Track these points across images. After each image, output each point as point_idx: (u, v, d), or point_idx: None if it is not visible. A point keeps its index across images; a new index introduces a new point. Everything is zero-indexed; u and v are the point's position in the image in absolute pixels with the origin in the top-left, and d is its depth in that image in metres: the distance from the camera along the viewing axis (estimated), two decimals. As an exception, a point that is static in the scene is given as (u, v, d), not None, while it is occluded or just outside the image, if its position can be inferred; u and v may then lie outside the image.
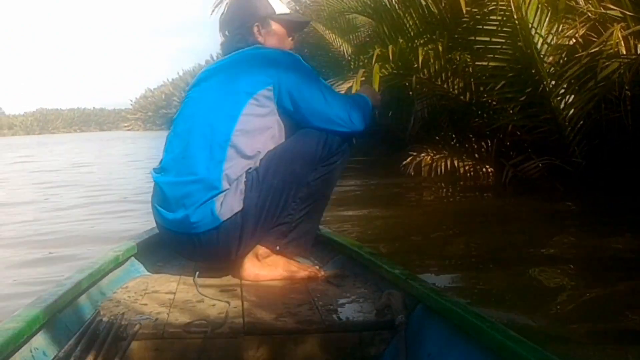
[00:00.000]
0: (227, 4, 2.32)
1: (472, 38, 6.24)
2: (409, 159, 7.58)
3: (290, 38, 2.23)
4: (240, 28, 2.14)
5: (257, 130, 1.97)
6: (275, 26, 2.17)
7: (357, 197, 6.62)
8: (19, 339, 1.27)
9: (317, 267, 2.12)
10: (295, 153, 1.98)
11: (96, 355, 1.35)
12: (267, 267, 2.02)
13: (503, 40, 5.93)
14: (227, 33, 2.20)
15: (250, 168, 1.95)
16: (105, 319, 1.55)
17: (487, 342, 1.21)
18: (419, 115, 8.15)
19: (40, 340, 1.37)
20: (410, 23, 7.04)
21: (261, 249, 2.01)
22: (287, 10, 2.24)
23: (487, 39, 6.06)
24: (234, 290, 1.88)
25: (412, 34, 7.04)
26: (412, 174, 7.36)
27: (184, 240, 2.00)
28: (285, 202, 1.97)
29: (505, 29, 5.79)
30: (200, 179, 1.92)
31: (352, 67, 8.90)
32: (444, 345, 1.39)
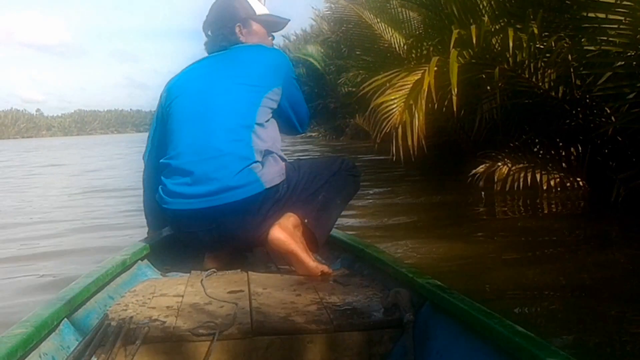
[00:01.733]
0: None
1: (584, 14, 4.82)
2: (481, 168, 6.07)
3: (270, 37, 2.40)
4: (223, 28, 2.29)
5: (267, 122, 2.15)
6: (255, 26, 2.33)
7: (413, 217, 5.14)
8: (28, 345, 1.28)
9: (327, 266, 2.13)
10: (319, 163, 2.29)
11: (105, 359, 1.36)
12: (292, 237, 2.03)
13: (622, 18, 4.43)
14: (209, 33, 2.33)
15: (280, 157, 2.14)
16: (113, 323, 1.56)
17: (495, 338, 1.21)
18: (485, 116, 6.51)
19: (49, 345, 1.37)
20: (484, 3, 5.61)
21: (292, 217, 2.06)
22: (267, 11, 2.38)
23: (603, 15, 4.57)
24: (241, 292, 1.88)
25: (486, 16, 5.40)
26: (482, 186, 5.97)
27: (206, 216, 2.05)
28: (314, 189, 2.14)
29: (625, 2, 4.35)
30: (228, 152, 2.03)
31: (413, 56, 6.94)
32: (452, 342, 1.38)
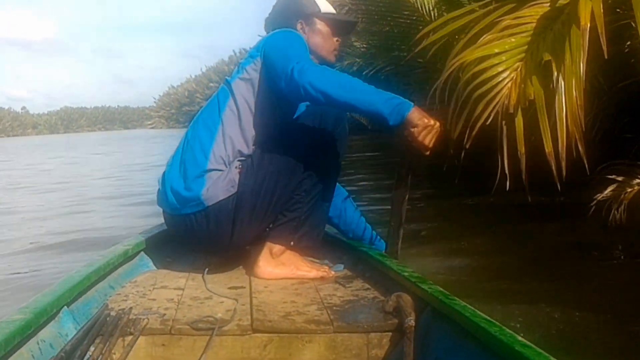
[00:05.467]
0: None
1: None
2: (610, 190, 3.58)
3: (335, 39, 2.18)
4: (284, 25, 2.12)
5: (249, 108, 1.98)
6: (320, 25, 2.14)
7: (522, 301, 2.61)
8: (27, 331, 1.27)
9: (328, 269, 2.12)
10: (290, 140, 1.98)
11: (103, 349, 1.36)
12: (280, 265, 2.02)
13: None
14: (273, 29, 2.15)
15: (243, 156, 1.96)
16: (113, 313, 1.56)
17: (494, 346, 1.20)
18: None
19: (47, 333, 1.37)
20: None
21: (275, 247, 2.01)
22: (334, 11, 2.20)
23: None
24: (242, 288, 1.88)
25: None
26: (621, 220, 3.46)
27: (177, 224, 2.02)
28: (282, 190, 1.96)
29: None
30: (192, 157, 1.96)
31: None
32: (452, 349, 1.37)
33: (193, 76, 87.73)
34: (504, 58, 2.46)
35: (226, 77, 2.09)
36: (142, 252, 2.21)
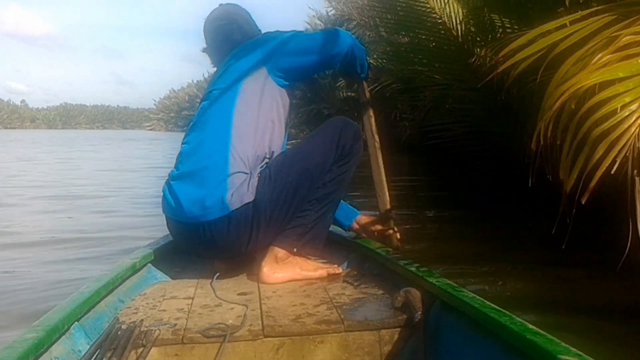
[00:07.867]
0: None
1: None
2: None
3: None
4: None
5: (257, 108, 2.01)
6: None
7: None
8: (40, 349, 1.28)
9: (334, 266, 2.12)
10: (309, 152, 2.02)
11: (116, 363, 1.36)
12: (285, 269, 2.02)
13: None
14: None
15: (260, 158, 1.97)
16: (124, 326, 1.56)
17: (505, 336, 1.20)
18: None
19: (60, 349, 1.38)
20: None
21: (280, 252, 2.02)
22: None
23: None
24: (251, 293, 1.89)
25: None
26: None
27: (193, 232, 1.99)
28: (299, 201, 1.98)
29: None
30: (210, 163, 1.94)
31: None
32: (463, 340, 1.38)
33: (195, 81, 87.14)
34: (631, 85, 1.83)
35: (218, 82, 2.10)
36: (150, 264, 2.21)
